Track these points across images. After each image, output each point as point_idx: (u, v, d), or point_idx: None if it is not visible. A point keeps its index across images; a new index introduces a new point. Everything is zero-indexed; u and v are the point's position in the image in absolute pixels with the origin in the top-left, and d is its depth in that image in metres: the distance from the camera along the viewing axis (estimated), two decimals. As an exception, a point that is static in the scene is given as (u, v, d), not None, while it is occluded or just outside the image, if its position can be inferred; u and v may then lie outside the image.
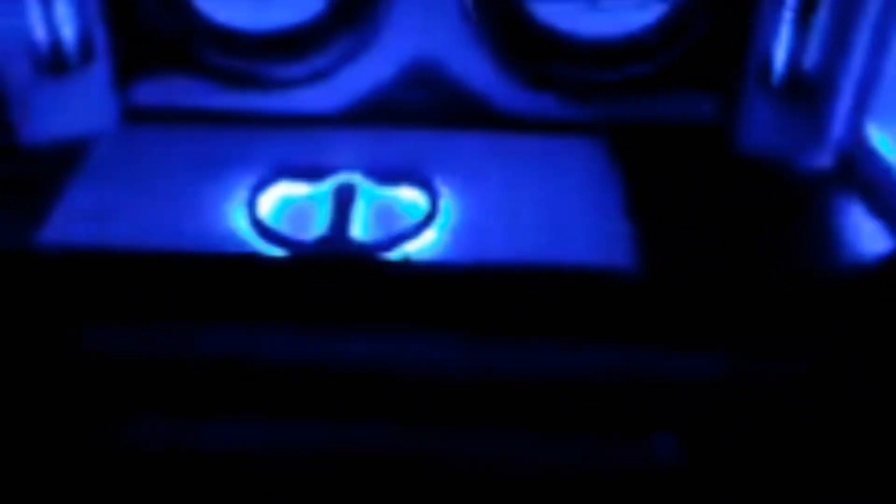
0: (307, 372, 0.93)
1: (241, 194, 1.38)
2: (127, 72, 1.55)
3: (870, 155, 1.43)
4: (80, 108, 1.51)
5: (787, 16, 1.44)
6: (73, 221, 1.33)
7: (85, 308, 0.97)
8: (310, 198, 1.39)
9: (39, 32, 1.45)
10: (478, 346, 0.95)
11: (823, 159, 1.49)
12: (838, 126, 1.47)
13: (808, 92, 1.47)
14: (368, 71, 1.56)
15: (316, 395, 0.92)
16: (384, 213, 1.38)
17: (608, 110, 1.58)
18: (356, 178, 1.41)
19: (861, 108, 1.44)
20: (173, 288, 0.99)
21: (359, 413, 0.92)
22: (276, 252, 1.30)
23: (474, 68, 1.56)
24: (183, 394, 0.93)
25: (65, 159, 1.45)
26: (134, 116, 1.56)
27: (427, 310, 0.99)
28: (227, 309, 0.98)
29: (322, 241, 1.32)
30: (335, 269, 1.18)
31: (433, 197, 1.38)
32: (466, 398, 0.94)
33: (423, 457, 0.91)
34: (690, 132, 1.57)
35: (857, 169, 1.46)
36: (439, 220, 1.35)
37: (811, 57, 1.45)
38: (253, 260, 1.26)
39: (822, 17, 1.42)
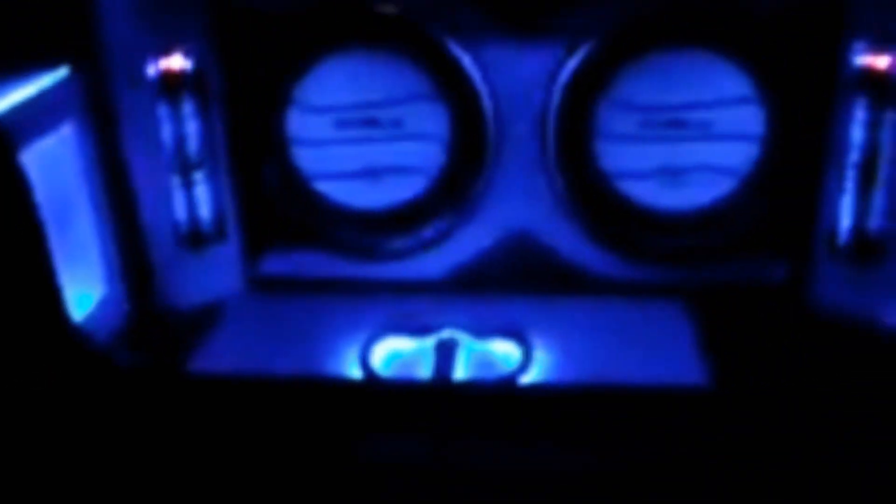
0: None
1: (354, 349, 1.54)
2: (254, 246, 1.74)
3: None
4: (214, 277, 1.70)
5: (849, 185, 1.57)
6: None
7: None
8: (416, 351, 1.54)
9: (181, 212, 1.65)
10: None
11: None
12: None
13: (874, 253, 1.57)
14: (468, 242, 1.72)
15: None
16: (482, 363, 1.52)
17: (686, 275, 1.70)
18: (457, 334, 1.55)
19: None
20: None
21: None
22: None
23: (564, 238, 1.71)
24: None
25: (200, 320, 1.63)
26: (261, 284, 1.74)
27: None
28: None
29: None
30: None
31: (527, 349, 1.52)
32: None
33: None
34: (764, 293, 1.68)
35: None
36: (532, 370, 1.49)
37: (875, 220, 1.56)
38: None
39: (881, 183, 1.54)
